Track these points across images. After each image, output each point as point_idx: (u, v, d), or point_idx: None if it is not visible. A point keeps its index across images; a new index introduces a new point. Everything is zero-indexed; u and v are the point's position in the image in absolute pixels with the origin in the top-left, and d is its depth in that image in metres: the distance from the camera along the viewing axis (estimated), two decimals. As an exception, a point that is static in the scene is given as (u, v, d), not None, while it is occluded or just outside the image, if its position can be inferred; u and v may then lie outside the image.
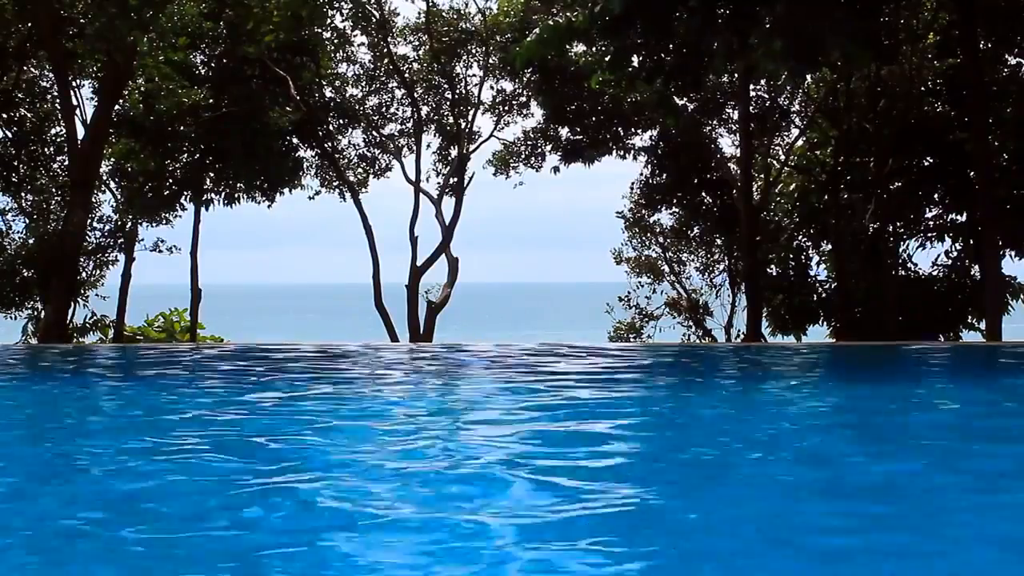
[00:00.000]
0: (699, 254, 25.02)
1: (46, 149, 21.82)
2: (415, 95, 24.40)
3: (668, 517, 5.38)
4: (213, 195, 22.74)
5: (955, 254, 21.36)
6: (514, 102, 24.82)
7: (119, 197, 22.26)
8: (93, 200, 21.17)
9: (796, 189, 23.25)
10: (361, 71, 24.62)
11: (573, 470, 6.29)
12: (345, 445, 7.29)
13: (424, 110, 24.90)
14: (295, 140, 23.25)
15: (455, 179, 24.80)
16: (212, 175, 22.68)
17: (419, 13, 24.75)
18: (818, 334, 22.35)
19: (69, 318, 20.00)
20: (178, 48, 19.72)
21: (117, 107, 19.88)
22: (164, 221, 22.26)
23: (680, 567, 4.58)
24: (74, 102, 20.18)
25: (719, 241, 24.60)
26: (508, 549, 4.72)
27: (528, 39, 21.96)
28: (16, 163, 21.52)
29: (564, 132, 24.11)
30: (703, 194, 24.16)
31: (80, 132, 19.08)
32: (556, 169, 24.44)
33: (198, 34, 20.89)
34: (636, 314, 25.18)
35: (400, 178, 25.30)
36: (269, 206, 23.20)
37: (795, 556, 4.68)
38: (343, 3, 23.50)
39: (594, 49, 21.16)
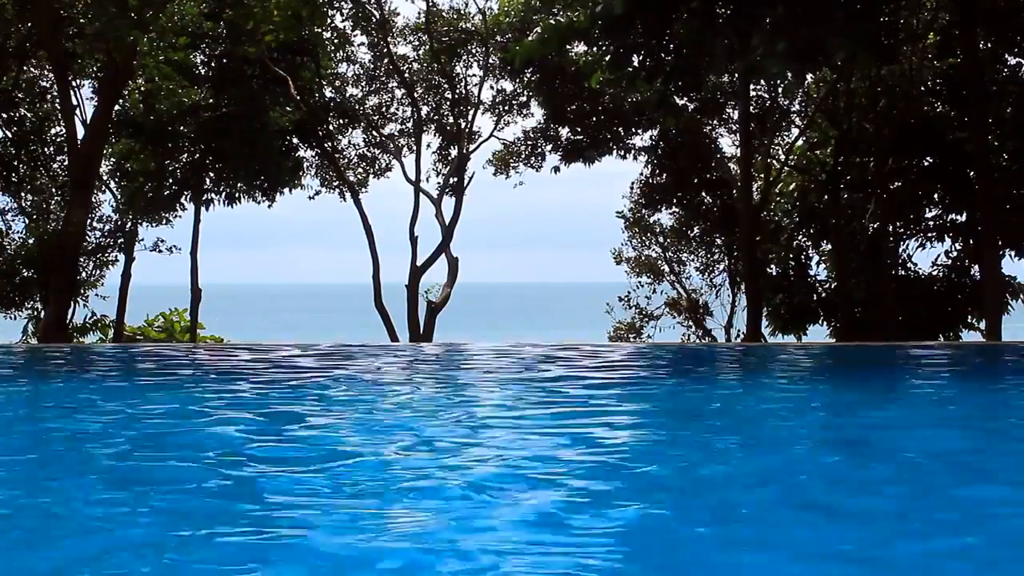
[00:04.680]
0: (699, 254, 25.03)
1: (46, 149, 21.83)
2: (415, 95, 24.40)
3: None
4: (213, 195, 22.75)
5: (955, 254, 21.36)
6: (514, 102, 24.83)
7: (119, 197, 22.27)
8: (93, 200, 21.19)
9: (796, 189, 23.24)
10: (361, 71, 24.64)
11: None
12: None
13: (424, 110, 24.90)
14: (295, 140, 23.26)
15: (455, 179, 24.80)
16: (212, 175, 22.68)
17: (419, 13, 24.80)
18: (818, 334, 22.35)
19: (69, 318, 20.00)
20: (178, 48, 19.71)
21: (117, 107, 19.88)
22: (164, 221, 22.29)
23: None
24: (74, 102, 20.20)
25: (719, 241, 24.61)
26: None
27: (528, 39, 21.99)
28: (16, 163, 21.53)
29: (564, 132, 24.12)
30: (703, 194, 24.17)
31: (80, 132, 19.08)
32: (556, 169, 24.46)
33: (198, 34, 20.89)
34: (636, 314, 25.19)
35: (400, 178, 25.34)
36: (269, 206, 23.24)
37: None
38: (343, 3, 23.52)
39: (594, 49, 21.17)
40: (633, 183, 24.63)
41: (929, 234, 21.45)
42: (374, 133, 25.11)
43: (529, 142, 24.88)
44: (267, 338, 20.02)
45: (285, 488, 5.89)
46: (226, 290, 74.76)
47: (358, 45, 24.39)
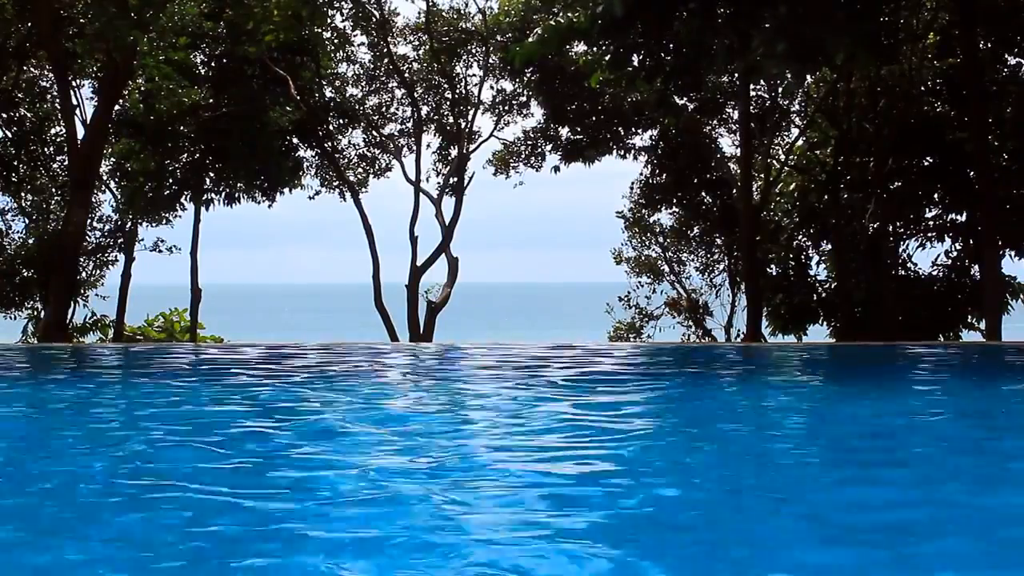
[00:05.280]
0: (699, 254, 25.03)
1: (46, 149, 21.83)
2: (415, 95, 24.39)
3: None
4: (213, 195, 22.75)
5: (955, 254, 21.36)
6: (514, 102, 24.82)
7: (119, 197, 22.26)
8: (93, 200, 21.19)
9: (796, 189, 23.25)
10: (361, 71, 24.62)
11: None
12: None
13: (424, 110, 24.89)
14: (295, 140, 23.25)
15: (455, 179, 24.79)
16: (212, 175, 22.68)
17: (419, 13, 24.78)
18: (818, 334, 22.35)
19: (69, 318, 20.00)
20: (178, 48, 19.71)
21: (117, 107, 19.88)
22: (164, 221, 22.28)
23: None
24: (74, 102, 20.20)
25: (719, 241, 24.61)
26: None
27: (528, 39, 21.97)
28: (16, 163, 21.53)
29: (564, 132, 24.11)
30: (703, 194, 24.17)
31: (80, 132, 19.08)
32: (556, 169, 24.45)
33: (198, 34, 20.89)
34: (636, 314, 25.19)
35: (400, 178, 25.33)
36: (269, 206, 23.23)
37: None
38: (343, 3, 23.51)
39: (594, 49, 21.15)
40: (633, 183, 24.65)
41: (929, 234, 21.46)
42: (374, 133, 25.11)
43: (529, 142, 24.87)
44: (267, 338, 20.01)
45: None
46: (226, 290, 74.76)
47: (358, 45, 24.40)
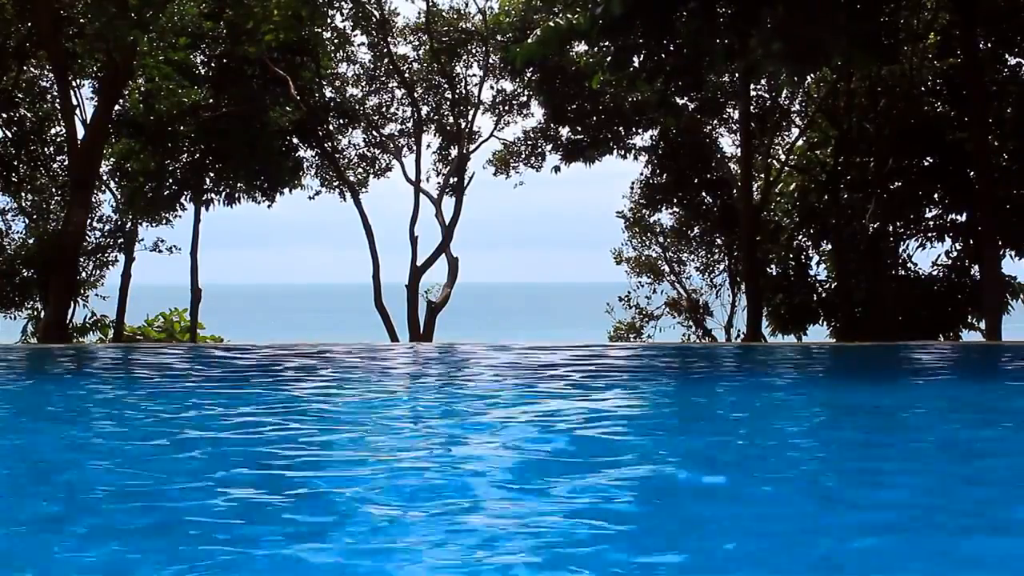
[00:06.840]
0: (699, 254, 25.02)
1: (46, 149, 21.82)
2: (415, 95, 24.38)
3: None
4: (213, 195, 22.73)
5: (955, 254, 21.37)
6: (514, 102, 24.79)
7: (119, 197, 22.26)
8: (93, 200, 21.18)
9: (796, 189, 23.25)
10: (361, 71, 24.60)
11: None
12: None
13: (424, 110, 24.87)
14: (295, 140, 23.23)
15: (455, 179, 24.78)
16: (212, 175, 22.66)
17: (419, 13, 24.76)
18: (818, 334, 22.35)
19: (69, 318, 19.99)
20: (178, 48, 19.69)
21: (117, 107, 19.87)
22: (164, 221, 22.27)
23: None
24: (74, 102, 20.19)
25: (719, 241, 24.60)
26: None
27: (528, 40, 21.96)
28: (16, 163, 21.52)
29: (564, 132, 24.09)
30: (703, 194, 24.16)
31: (80, 132, 19.07)
32: (556, 169, 24.42)
33: (198, 34, 20.87)
34: (636, 314, 25.18)
35: (400, 178, 25.31)
36: (269, 206, 23.20)
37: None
38: (343, 3, 23.50)
39: (595, 49, 21.14)
40: (633, 183, 24.64)
41: (929, 234, 21.47)
42: (374, 133, 25.09)
43: (529, 142, 24.84)
44: (268, 338, 19.99)
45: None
46: (226, 290, 74.75)
47: (358, 45, 24.37)
